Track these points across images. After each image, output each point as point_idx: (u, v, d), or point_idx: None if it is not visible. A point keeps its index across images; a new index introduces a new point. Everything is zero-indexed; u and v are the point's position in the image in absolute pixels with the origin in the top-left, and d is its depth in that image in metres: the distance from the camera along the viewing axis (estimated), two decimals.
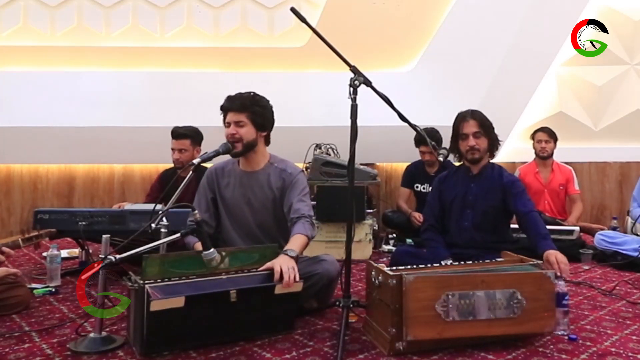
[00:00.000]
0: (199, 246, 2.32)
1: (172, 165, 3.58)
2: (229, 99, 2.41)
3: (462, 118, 2.73)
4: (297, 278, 2.05)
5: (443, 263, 2.46)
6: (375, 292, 2.06)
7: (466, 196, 2.73)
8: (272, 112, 2.47)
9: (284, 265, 2.04)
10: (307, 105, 4.68)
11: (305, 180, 2.49)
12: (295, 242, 2.21)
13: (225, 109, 2.41)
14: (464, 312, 1.93)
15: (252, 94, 2.42)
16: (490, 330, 1.96)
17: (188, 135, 3.42)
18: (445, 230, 2.78)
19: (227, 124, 2.40)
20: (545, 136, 4.29)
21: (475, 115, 2.71)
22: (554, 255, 2.29)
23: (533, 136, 4.38)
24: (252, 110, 2.37)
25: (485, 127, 2.70)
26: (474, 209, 2.71)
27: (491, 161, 2.81)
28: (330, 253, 2.64)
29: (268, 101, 2.46)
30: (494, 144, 2.74)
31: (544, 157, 4.30)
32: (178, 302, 1.86)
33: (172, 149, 3.44)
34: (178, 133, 3.43)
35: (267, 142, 2.50)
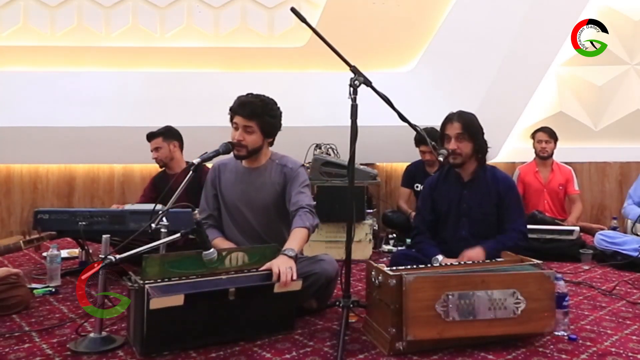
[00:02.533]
0: (218, 243, 2.34)
1: (161, 168, 3.63)
2: (240, 103, 2.36)
3: (447, 119, 2.63)
4: (295, 277, 2.05)
5: (434, 259, 2.48)
6: (375, 292, 2.06)
7: (460, 204, 2.63)
8: (281, 119, 2.45)
9: (282, 265, 2.05)
10: (307, 105, 4.68)
11: (305, 173, 2.49)
12: (295, 239, 2.21)
13: (234, 111, 2.37)
14: (464, 312, 1.93)
15: (263, 100, 2.38)
16: (491, 330, 1.96)
17: (158, 134, 3.52)
18: (442, 239, 2.68)
19: (234, 125, 2.38)
20: (545, 136, 4.28)
21: (461, 117, 2.60)
22: (470, 252, 2.44)
23: (533, 136, 4.38)
24: (262, 119, 2.35)
25: (471, 131, 2.58)
26: (470, 218, 2.62)
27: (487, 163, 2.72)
28: (330, 253, 2.64)
29: (278, 107, 2.43)
30: (480, 149, 2.61)
31: (544, 157, 4.30)
32: (177, 300, 1.87)
33: (151, 151, 3.53)
34: (149, 135, 3.55)
35: (271, 145, 2.50)
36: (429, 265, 2.27)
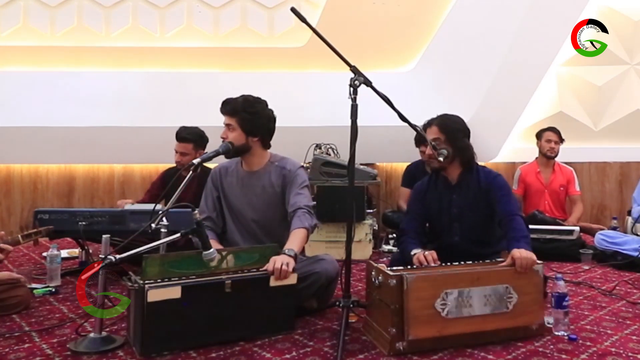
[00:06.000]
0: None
1: (173, 164, 3.58)
2: (223, 102, 2.43)
3: (427, 124, 2.57)
4: (290, 271, 2.07)
5: (413, 252, 2.37)
6: (375, 292, 2.06)
7: (450, 209, 2.53)
8: (268, 118, 2.44)
9: (278, 260, 2.08)
10: (307, 105, 4.67)
11: (304, 174, 2.50)
12: (294, 240, 2.22)
13: (220, 111, 2.44)
14: (462, 309, 1.96)
15: (245, 98, 2.41)
16: (486, 326, 2.00)
17: (191, 140, 3.40)
18: (437, 246, 2.55)
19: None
20: (555, 136, 4.27)
21: (439, 120, 2.53)
22: (519, 251, 2.10)
23: (540, 135, 4.33)
24: (240, 116, 2.38)
25: (448, 135, 2.48)
26: (461, 222, 2.52)
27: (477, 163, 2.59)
28: (330, 253, 2.64)
29: (265, 107, 2.44)
30: (462, 152, 2.49)
31: (551, 157, 4.28)
32: (175, 292, 1.89)
33: (175, 150, 3.43)
34: (181, 136, 3.40)
35: (265, 146, 2.49)
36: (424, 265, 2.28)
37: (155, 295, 1.85)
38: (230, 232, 2.51)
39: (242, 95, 2.43)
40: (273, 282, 2.06)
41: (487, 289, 2.00)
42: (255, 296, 2.06)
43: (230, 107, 2.39)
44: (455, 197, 2.55)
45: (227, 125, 2.39)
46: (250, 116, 2.39)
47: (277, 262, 2.08)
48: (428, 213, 2.63)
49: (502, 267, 2.13)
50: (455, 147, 2.49)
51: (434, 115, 2.61)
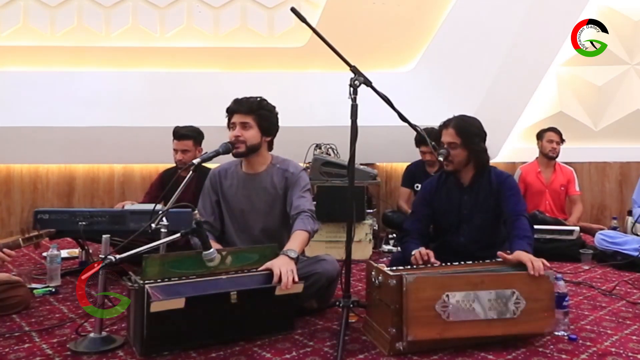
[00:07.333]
0: None
1: (172, 165, 3.58)
2: (237, 101, 2.40)
3: (444, 124, 2.56)
4: (296, 279, 2.05)
5: (413, 252, 2.37)
6: (375, 292, 2.06)
7: (460, 210, 2.55)
8: (277, 119, 2.47)
9: (283, 267, 2.04)
10: (307, 105, 4.68)
11: (306, 177, 2.50)
12: (295, 241, 2.21)
13: (231, 110, 2.40)
14: (464, 312, 1.93)
15: (259, 98, 2.42)
16: (491, 331, 1.96)
17: (190, 136, 3.40)
18: (440, 245, 2.59)
19: (231, 126, 2.40)
20: (557, 137, 4.27)
21: (456, 123, 2.52)
22: (528, 255, 2.08)
23: (541, 135, 4.33)
24: (259, 113, 2.37)
25: (465, 137, 2.48)
26: (470, 224, 2.54)
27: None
28: (330, 253, 2.64)
29: (274, 107, 2.47)
30: (478, 155, 2.51)
31: (552, 158, 4.28)
32: (178, 303, 1.87)
33: (175, 150, 3.41)
34: (181, 134, 3.40)
35: (270, 147, 2.50)
36: (429, 265, 2.27)
37: (158, 306, 1.82)
38: (230, 234, 2.51)
39: (252, 96, 2.42)
40: (279, 292, 2.03)
41: (491, 292, 1.95)
42: (259, 304, 2.05)
43: (247, 105, 2.37)
44: (466, 199, 2.56)
45: (243, 123, 2.36)
46: (269, 114, 2.41)
47: (282, 269, 2.03)
48: (435, 213, 2.63)
49: (504, 263, 2.13)
50: (470, 151, 2.51)
51: (450, 116, 2.59)
